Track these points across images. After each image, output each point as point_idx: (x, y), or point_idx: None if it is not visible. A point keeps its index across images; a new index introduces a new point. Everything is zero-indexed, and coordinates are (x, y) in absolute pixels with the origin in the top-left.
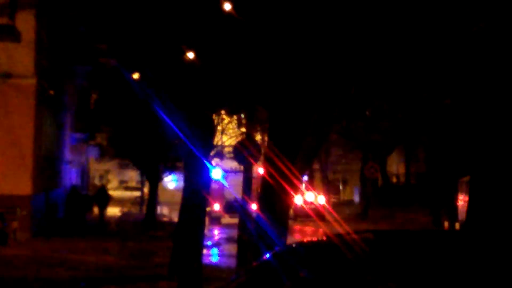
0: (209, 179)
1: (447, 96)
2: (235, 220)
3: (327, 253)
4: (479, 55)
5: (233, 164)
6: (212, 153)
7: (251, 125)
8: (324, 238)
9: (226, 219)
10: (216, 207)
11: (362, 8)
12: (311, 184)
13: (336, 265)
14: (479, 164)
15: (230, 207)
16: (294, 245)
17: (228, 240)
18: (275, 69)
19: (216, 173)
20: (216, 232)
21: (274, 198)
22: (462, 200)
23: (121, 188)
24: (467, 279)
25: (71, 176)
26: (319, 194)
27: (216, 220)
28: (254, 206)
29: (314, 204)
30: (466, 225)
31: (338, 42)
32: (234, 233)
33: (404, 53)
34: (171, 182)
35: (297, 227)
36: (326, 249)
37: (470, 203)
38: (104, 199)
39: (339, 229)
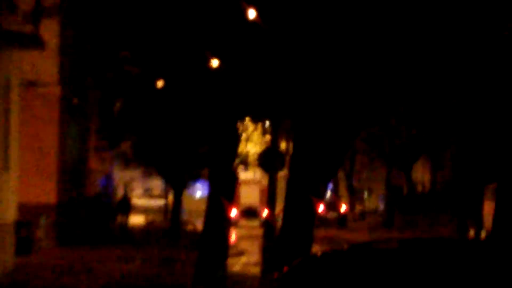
0: (233, 188)
1: (470, 101)
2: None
3: (351, 262)
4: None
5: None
6: (236, 162)
7: (276, 134)
8: (347, 247)
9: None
10: (233, 212)
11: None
12: (335, 192)
13: (359, 275)
14: (507, 171)
15: (248, 212)
16: (318, 254)
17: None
18: (300, 78)
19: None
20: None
21: (299, 206)
22: (488, 208)
23: (146, 196)
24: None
25: (95, 185)
26: (342, 202)
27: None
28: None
29: (339, 212)
30: (493, 233)
31: (364, 54)
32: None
33: (432, 61)
34: (198, 190)
35: (319, 233)
36: (350, 258)
37: (497, 211)
38: (126, 207)
39: (363, 237)
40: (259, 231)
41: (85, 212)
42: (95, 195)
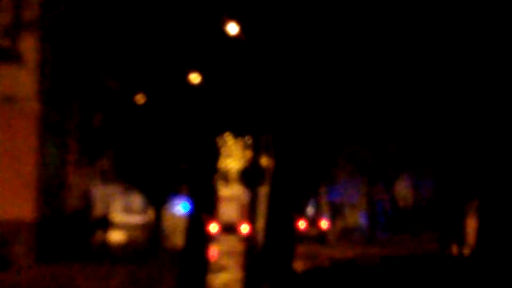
0: (213, 203)
1: (448, 115)
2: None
3: (333, 280)
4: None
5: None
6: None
7: (257, 149)
8: (328, 264)
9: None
10: (214, 227)
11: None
12: (316, 208)
13: None
14: (488, 187)
15: (227, 228)
16: (300, 271)
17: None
18: (281, 94)
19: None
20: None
21: (280, 222)
22: (470, 224)
23: (125, 213)
24: None
25: (74, 201)
26: (323, 218)
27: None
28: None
29: (320, 228)
30: (476, 249)
31: (345, 71)
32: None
33: (414, 78)
34: (179, 207)
35: (300, 250)
36: (332, 276)
37: (480, 228)
38: (105, 223)
39: (345, 253)
40: (240, 247)
41: (65, 229)
42: (74, 212)
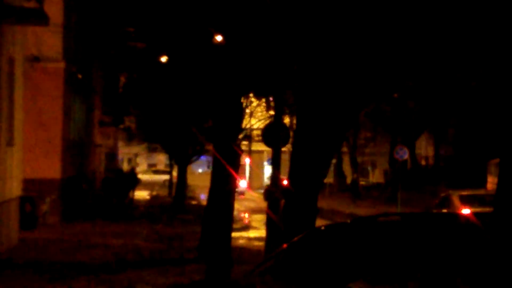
0: (237, 162)
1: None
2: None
3: (353, 236)
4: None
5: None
6: (240, 136)
7: (280, 108)
8: (350, 220)
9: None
10: (243, 183)
11: None
12: (339, 167)
13: (362, 247)
14: (509, 145)
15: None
16: (322, 228)
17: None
18: (303, 53)
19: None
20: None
21: (303, 179)
22: (491, 183)
23: (150, 172)
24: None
25: (100, 160)
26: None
27: (240, 194)
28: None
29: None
30: (495, 208)
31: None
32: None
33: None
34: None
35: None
36: (352, 232)
37: (500, 186)
38: (133, 182)
39: (367, 211)
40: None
41: (91, 187)
42: (106, 170)
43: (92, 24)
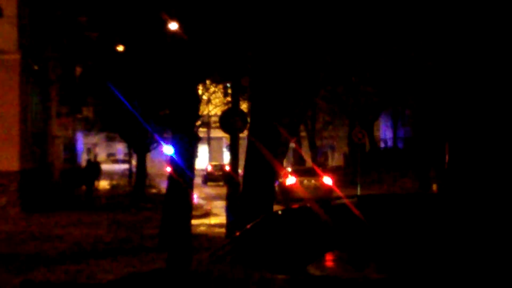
0: (195, 149)
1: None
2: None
3: (312, 219)
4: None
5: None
6: (198, 123)
7: (237, 94)
8: (309, 204)
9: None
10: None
11: None
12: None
13: (320, 230)
14: (457, 128)
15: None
16: (279, 212)
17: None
18: (258, 37)
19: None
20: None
21: (260, 166)
22: None
23: (109, 161)
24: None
25: (59, 151)
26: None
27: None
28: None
29: None
30: (445, 186)
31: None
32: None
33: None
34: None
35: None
36: (311, 215)
37: (448, 166)
38: (96, 172)
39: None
40: (224, 191)
41: (49, 178)
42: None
43: (46, 15)
